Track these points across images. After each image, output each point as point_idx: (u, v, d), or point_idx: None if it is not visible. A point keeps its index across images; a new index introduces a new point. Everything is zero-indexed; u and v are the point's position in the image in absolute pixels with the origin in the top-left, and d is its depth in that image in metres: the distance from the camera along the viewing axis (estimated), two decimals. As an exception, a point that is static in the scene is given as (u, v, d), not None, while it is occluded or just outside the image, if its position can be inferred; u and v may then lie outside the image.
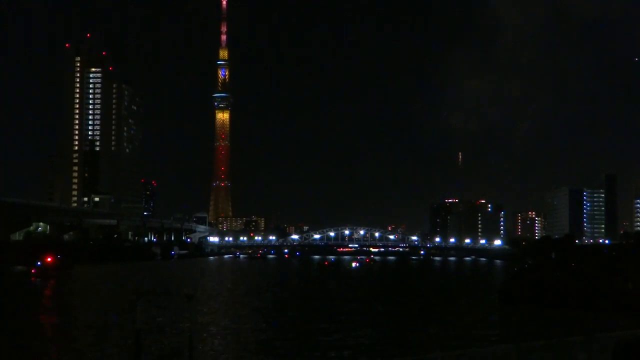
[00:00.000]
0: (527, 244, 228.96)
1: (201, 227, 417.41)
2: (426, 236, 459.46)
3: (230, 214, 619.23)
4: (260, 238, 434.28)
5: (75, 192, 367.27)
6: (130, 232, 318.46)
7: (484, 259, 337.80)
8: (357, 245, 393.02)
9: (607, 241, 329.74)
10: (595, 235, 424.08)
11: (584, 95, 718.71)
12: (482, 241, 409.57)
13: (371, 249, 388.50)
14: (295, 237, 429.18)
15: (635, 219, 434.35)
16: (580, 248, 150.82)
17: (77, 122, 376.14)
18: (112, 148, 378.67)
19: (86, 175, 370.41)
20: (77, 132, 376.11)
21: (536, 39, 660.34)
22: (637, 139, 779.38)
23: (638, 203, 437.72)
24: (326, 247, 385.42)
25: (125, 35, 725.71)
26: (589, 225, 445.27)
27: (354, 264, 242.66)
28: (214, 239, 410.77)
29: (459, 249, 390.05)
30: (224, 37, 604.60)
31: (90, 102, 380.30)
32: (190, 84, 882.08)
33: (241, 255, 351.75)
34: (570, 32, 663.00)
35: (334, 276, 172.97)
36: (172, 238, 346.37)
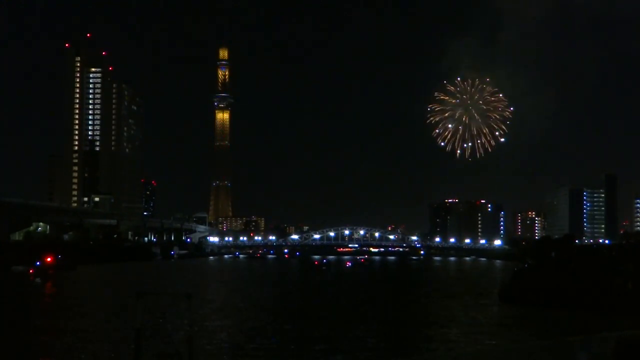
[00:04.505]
0: (527, 244, 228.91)
1: (201, 227, 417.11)
2: (426, 236, 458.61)
3: (230, 214, 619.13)
4: (260, 238, 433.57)
5: (75, 192, 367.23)
6: (130, 232, 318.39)
7: (484, 259, 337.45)
8: (357, 245, 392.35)
9: (607, 241, 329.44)
10: (595, 235, 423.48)
11: (584, 95, 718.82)
12: (482, 241, 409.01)
13: (371, 249, 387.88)
14: (295, 237, 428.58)
15: (635, 219, 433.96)
16: (580, 248, 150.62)
17: (77, 122, 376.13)
18: (112, 148, 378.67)
19: (86, 175, 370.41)
20: (77, 132, 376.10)
21: (538, 38, 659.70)
22: (637, 139, 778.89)
23: (638, 203, 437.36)
24: (326, 247, 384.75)
25: (125, 35, 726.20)
26: (589, 225, 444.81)
27: (348, 264, 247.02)
28: (214, 239, 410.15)
29: (459, 249, 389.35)
30: (224, 38, 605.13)
31: (90, 102, 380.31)
32: (190, 84, 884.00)
33: (241, 255, 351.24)
34: (573, 30, 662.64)
35: (331, 277, 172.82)
36: (172, 238, 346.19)
